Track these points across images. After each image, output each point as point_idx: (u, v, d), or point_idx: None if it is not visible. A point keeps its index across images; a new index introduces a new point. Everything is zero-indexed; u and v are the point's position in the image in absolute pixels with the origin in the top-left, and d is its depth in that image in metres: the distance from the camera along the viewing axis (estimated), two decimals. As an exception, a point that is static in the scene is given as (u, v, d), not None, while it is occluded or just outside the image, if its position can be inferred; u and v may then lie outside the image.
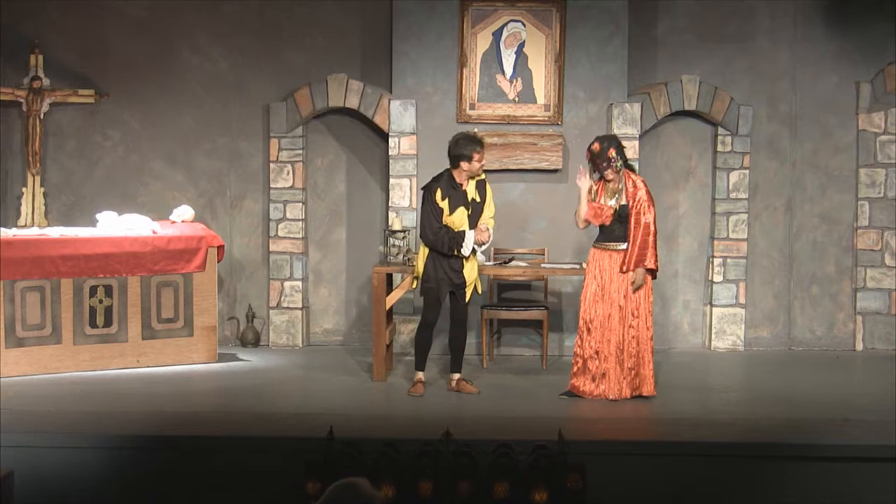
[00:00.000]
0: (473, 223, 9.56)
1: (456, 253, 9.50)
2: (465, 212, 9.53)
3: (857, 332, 11.73)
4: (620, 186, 9.46)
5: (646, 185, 9.48)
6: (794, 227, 11.75)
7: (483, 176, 9.68)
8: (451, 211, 9.51)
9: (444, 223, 9.50)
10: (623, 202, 9.42)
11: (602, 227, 9.55)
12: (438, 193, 9.53)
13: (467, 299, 9.68)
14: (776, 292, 11.77)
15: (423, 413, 8.96)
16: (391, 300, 10.27)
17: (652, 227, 9.37)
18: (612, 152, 9.40)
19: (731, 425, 8.52)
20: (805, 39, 11.62)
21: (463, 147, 9.47)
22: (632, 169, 9.56)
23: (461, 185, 9.53)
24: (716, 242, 11.63)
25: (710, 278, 11.67)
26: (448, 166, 9.57)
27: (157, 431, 8.09)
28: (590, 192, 9.60)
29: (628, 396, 9.42)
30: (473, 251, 9.61)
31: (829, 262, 11.79)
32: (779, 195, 11.73)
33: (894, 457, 7.68)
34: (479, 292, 9.88)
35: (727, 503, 7.73)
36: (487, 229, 9.60)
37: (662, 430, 8.43)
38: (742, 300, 11.61)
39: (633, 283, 9.38)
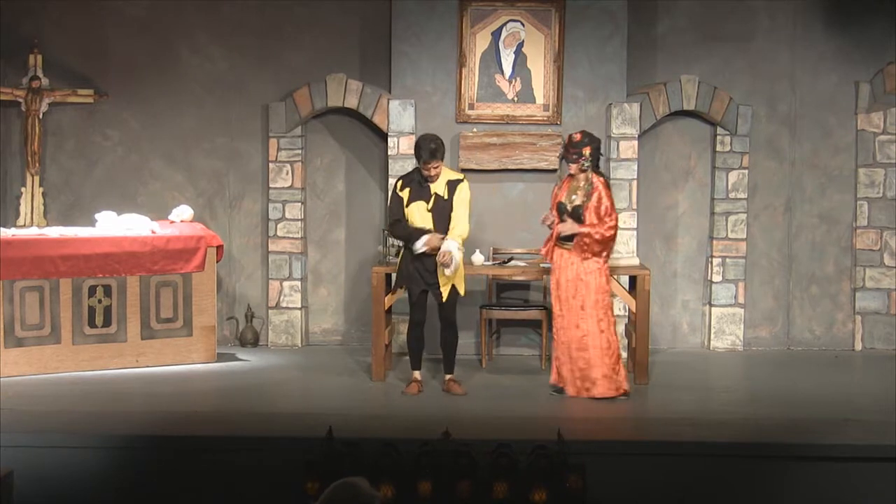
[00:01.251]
0: (438, 218, 9.52)
1: (412, 246, 9.52)
2: (425, 205, 9.53)
3: (856, 331, 11.72)
4: (581, 186, 9.47)
5: (606, 188, 9.46)
6: (794, 227, 11.75)
7: (461, 176, 9.69)
8: (409, 202, 9.56)
9: (402, 214, 9.56)
10: (579, 203, 9.43)
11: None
12: (399, 183, 9.63)
13: (444, 299, 9.64)
14: (775, 292, 11.77)
15: (422, 413, 8.96)
16: (390, 300, 10.27)
17: (609, 233, 9.37)
18: (588, 151, 9.42)
19: (731, 425, 8.52)
20: (804, 39, 11.62)
21: (418, 150, 9.54)
22: (600, 174, 9.55)
23: (428, 179, 9.56)
24: (715, 242, 11.63)
25: (709, 278, 11.67)
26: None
27: (157, 431, 8.09)
28: (558, 185, 9.63)
29: (580, 396, 9.42)
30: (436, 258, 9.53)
31: (828, 262, 11.79)
32: (778, 195, 11.73)
33: (894, 457, 7.68)
34: (462, 293, 9.80)
35: (727, 503, 7.73)
36: (450, 251, 9.41)
37: (662, 430, 8.43)
38: (741, 300, 11.61)
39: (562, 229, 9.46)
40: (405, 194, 9.58)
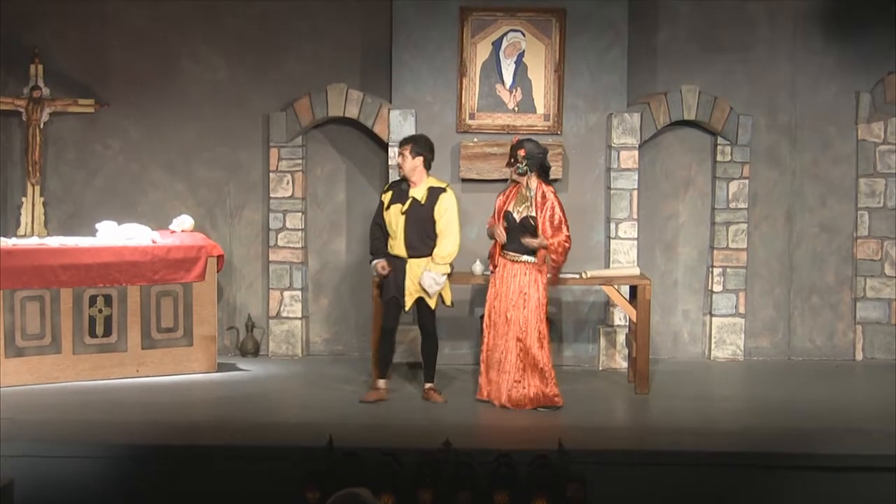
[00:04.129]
0: (413, 225, 9.59)
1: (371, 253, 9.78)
2: (400, 208, 9.61)
3: (856, 341, 11.72)
4: (529, 195, 9.48)
5: (557, 198, 9.48)
6: (794, 237, 11.74)
7: (444, 185, 9.74)
8: (388, 206, 9.71)
9: (381, 219, 9.73)
10: (531, 213, 9.44)
11: (507, 235, 9.55)
12: (386, 187, 9.88)
13: (407, 308, 9.69)
14: (776, 302, 11.76)
15: (423, 423, 8.96)
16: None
17: (567, 244, 9.42)
18: (522, 153, 9.44)
19: (732, 435, 8.53)
20: (805, 49, 11.63)
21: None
22: (547, 182, 9.56)
23: (411, 184, 9.67)
24: (715, 252, 11.62)
25: (709, 288, 11.66)
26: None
27: (157, 441, 8.09)
28: (504, 193, 9.65)
29: (507, 405, 9.43)
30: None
31: (828, 272, 11.78)
32: (778, 205, 11.73)
33: (894, 467, 7.68)
34: (449, 304, 9.84)
35: (728, 513, 7.74)
36: (426, 286, 9.58)
37: (663, 439, 8.43)
38: (742, 310, 11.61)
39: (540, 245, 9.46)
40: (387, 198, 9.72)
